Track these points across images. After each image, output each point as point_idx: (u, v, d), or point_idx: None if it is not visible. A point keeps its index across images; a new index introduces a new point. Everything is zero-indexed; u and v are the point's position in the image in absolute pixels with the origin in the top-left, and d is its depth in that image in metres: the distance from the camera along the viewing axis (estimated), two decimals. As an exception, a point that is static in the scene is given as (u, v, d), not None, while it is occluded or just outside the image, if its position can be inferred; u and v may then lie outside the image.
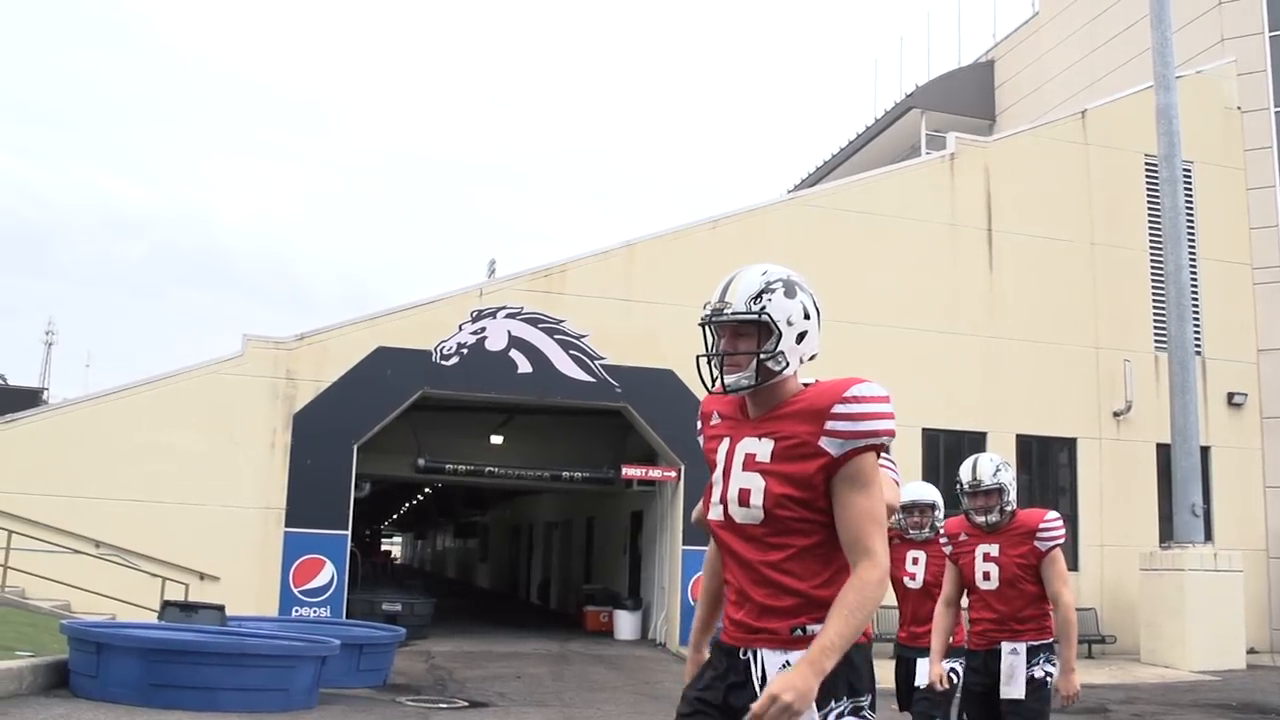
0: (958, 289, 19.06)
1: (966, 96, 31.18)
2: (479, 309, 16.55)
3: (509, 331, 16.51)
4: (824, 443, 2.58)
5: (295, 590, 15.72)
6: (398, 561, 61.79)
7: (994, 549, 5.39)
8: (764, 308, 2.68)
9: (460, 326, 16.46)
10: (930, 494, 6.34)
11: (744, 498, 2.66)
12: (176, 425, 15.76)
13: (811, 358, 2.74)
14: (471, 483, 21.75)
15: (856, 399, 2.60)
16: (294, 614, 15.49)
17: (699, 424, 2.95)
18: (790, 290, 2.72)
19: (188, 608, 11.59)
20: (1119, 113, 20.60)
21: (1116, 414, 19.38)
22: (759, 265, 2.77)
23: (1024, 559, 5.32)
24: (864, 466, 2.60)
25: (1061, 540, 5.38)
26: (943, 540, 5.72)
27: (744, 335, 2.70)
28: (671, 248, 17.62)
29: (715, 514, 2.76)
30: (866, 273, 18.49)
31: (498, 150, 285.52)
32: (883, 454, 4.23)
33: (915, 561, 6.28)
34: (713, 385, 2.74)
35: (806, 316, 2.72)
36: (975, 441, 18.59)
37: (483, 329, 16.45)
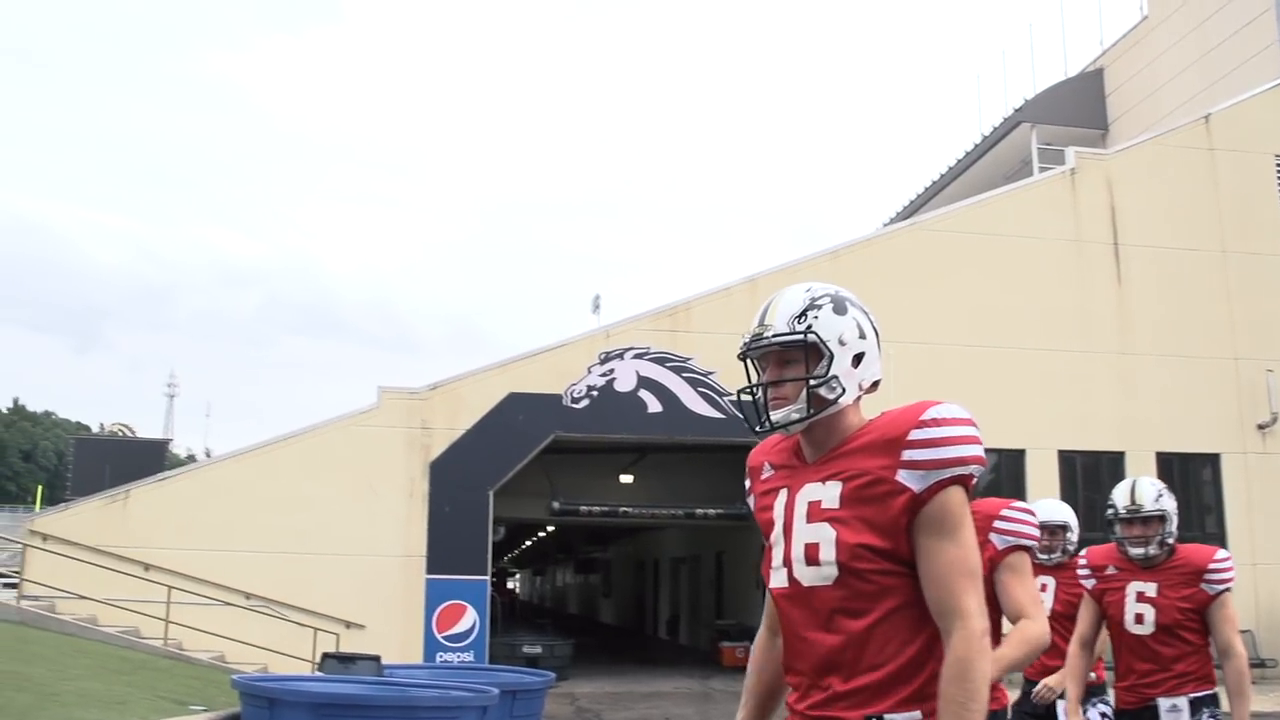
0: (1086, 306, 18.67)
1: (1076, 107, 30.56)
2: (607, 351, 16.72)
3: (637, 372, 16.64)
4: (903, 476, 2.15)
5: (439, 636, 15.97)
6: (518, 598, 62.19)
7: (1150, 588, 4.65)
8: (810, 326, 2.28)
9: (589, 369, 16.64)
10: (1061, 513, 5.65)
11: (812, 554, 2.21)
12: (318, 477, 16.16)
13: (874, 385, 2.35)
14: (606, 523, 21.89)
15: (936, 421, 2.18)
16: (438, 659, 15.71)
17: (747, 482, 2.51)
18: (840, 306, 2.32)
19: (346, 659, 11.78)
20: (1244, 114, 20.03)
21: (1261, 427, 18.73)
22: (802, 284, 2.40)
23: (1187, 603, 4.58)
24: (951, 505, 2.16)
25: (1233, 583, 4.65)
26: (1083, 571, 4.94)
27: (790, 361, 2.31)
28: (793, 280, 17.34)
29: (778, 580, 2.30)
30: (990, 295, 18.24)
31: (596, 186, 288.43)
32: (1031, 550, 3.73)
33: (1044, 588, 5.51)
34: (759, 425, 2.32)
35: (862, 336, 2.32)
36: (1113, 461, 18.17)
37: (611, 370, 16.60)
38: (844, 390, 2.28)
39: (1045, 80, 32.77)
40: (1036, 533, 3.77)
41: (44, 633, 13.90)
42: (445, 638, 15.96)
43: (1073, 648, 4.96)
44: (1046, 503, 5.76)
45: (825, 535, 2.20)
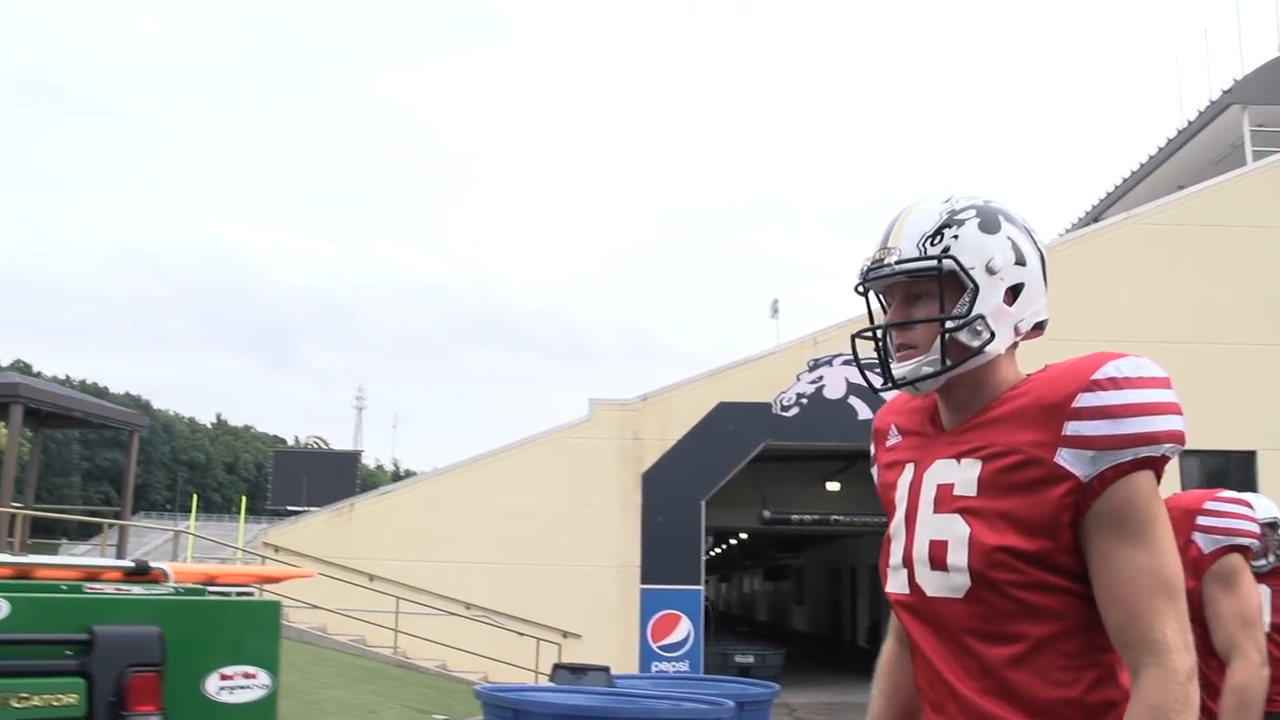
0: (1322, 296, 17.61)
1: (1292, 85, 28.86)
2: (815, 358, 16.57)
3: (847, 379, 16.43)
4: (1064, 458, 1.57)
5: (654, 646, 16.07)
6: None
7: None
8: (947, 249, 1.69)
9: (798, 377, 16.53)
10: (1269, 508, 4.47)
11: (938, 555, 1.65)
12: (533, 489, 16.49)
13: (1037, 328, 1.76)
14: (808, 531, 21.71)
15: (1115, 382, 1.58)
16: (654, 669, 15.80)
17: (872, 448, 1.98)
18: (990, 222, 1.71)
19: (577, 670, 11.95)
20: None
21: None
22: (941, 193, 1.78)
23: None
24: (1137, 495, 1.58)
25: None
26: None
27: (921, 296, 1.72)
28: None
29: (896, 584, 1.75)
30: (1211, 289, 17.38)
31: (766, 190, 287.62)
32: (1250, 552, 3.00)
33: None
34: (883, 384, 1.78)
35: (1020, 262, 1.70)
36: (1357, 463, 17.08)
37: (820, 377, 16.46)
38: (993, 335, 1.69)
39: (1253, 59, 30.96)
40: (1256, 528, 3.01)
41: (284, 640, 14.55)
42: (660, 647, 16.06)
43: None
44: (1251, 497, 4.60)
45: (956, 531, 1.64)
